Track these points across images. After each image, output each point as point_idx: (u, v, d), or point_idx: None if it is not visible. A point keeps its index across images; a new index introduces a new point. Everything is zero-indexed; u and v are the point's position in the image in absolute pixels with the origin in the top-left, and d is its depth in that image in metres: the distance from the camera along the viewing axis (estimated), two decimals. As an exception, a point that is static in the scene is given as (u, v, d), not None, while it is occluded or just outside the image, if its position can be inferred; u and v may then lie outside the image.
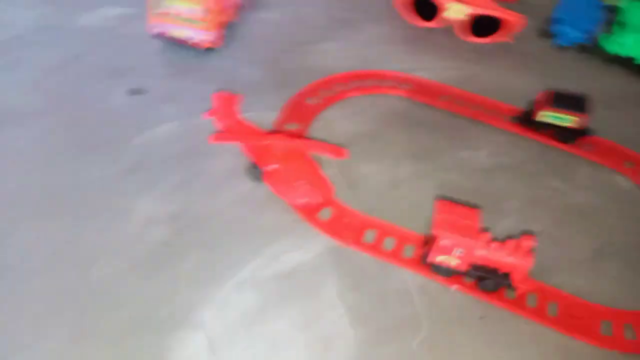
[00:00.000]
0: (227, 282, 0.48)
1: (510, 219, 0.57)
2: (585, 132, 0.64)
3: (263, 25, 0.74)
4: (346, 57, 0.71)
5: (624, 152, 0.65)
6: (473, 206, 0.49)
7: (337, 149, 0.55)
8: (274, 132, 0.54)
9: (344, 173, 0.58)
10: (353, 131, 0.63)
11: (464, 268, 0.49)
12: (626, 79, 0.76)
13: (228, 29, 0.71)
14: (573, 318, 0.50)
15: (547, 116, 0.62)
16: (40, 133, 0.58)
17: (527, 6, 0.84)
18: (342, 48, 0.73)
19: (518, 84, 0.71)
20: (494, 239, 0.48)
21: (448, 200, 0.49)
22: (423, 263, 0.50)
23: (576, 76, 0.74)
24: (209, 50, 0.67)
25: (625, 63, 0.76)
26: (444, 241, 0.47)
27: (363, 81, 0.68)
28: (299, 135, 0.59)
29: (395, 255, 0.52)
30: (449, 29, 0.77)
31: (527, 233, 0.50)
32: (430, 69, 0.72)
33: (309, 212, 0.54)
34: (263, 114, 0.62)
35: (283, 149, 0.53)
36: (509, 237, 0.48)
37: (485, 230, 0.48)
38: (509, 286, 0.49)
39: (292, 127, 0.61)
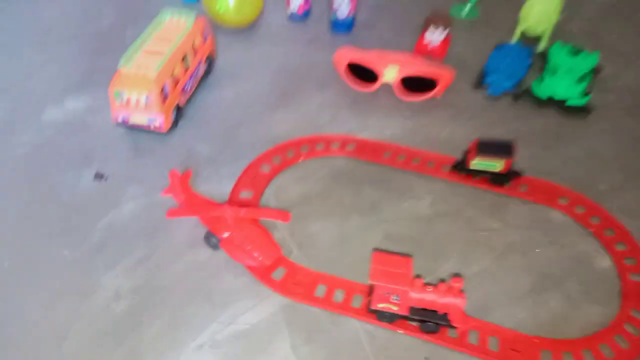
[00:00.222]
0: (187, 346, 0.52)
1: (451, 262, 0.61)
2: (516, 173, 0.69)
3: (217, 103, 0.81)
4: (296, 125, 0.78)
5: (557, 189, 0.71)
6: (408, 254, 0.54)
7: (282, 213, 0.60)
8: (224, 203, 0.59)
9: (294, 234, 0.63)
10: (303, 193, 0.68)
11: (404, 312, 0.53)
12: (559, 119, 0.82)
13: (185, 109, 0.78)
14: (513, 351, 0.54)
15: (477, 164, 0.68)
16: (14, 219, 0.63)
17: (462, 62, 0.92)
18: (293, 116, 0.79)
19: (455, 135, 0.77)
20: (427, 284, 0.52)
21: (383, 252, 0.54)
22: (369, 311, 0.54)
23: (511, 122, 0.81)
24: (168, 132, 0.73)
25: (558, 105, 0.83)
26: (380, 290, 0.51)
27: (312, 145, 0.74)
28: (247, 204, 0.64)
29: (345, 306, 0.56)
30: (389, 90, 0.84)
31: (457, 275, 0.55)
32: (374, 128, 0.78)
33: (263, 274, 0.58)
34: (219, 185, 0.68)
35: (233, 218, 0.58)
36: (441, 281, 0.52)
37: (418, 276, 0.53)
38: (449, 325, 0.53)
39: (247, 194, 0.67)
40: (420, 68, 0.82)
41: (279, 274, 0.59)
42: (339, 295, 0.57)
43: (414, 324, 0.54)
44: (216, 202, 0.63)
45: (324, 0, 0.99)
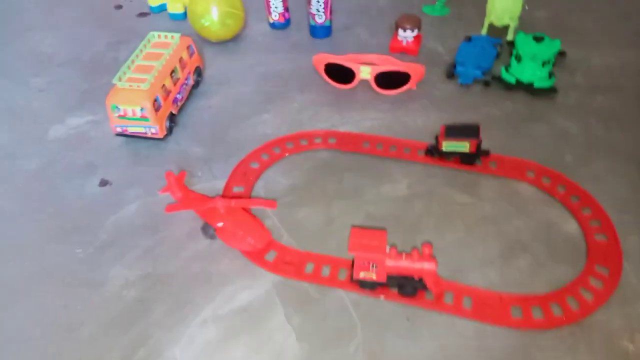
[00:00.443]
0: (192, 322, 0.58)
1: (427, 235, 0.67)
2: (485, 152, 0.75)
3: (208, 110, 0.87)
4: (282, 124, 0.84)
5: (525, 163, 0.76)
6: (383, 228, 0.60)
7: (269, 202, 0.66)
8: (215, 197, 0.65)
9: (283, 220, 0.69)
10: (290, 184, 0.74)
11: (383, 279, 0.58)
12: (528, 102, 0.88)
13: (178, 117, 0.85)
14: (486, 308, 0.59)
15: (447, 146, 0.74)
16: (30, 226, 0.69)
17: (435, 56, 0.99)
18: (277, 116, 0.86)
19: (429, 123, 0.83)
20: (401, 252, 0.58)
21: (360, 227, 0.59)
22: (352, 281, 0.60)
23: (482, 107, 0.87)
24: (163, 138, 0.80)
25: (526, 88, 0.89)
26: (359, 260, 0.57)
27: (296, 141, 0.80)
28: (236, 196, 0.70)
29: (331, 280, 0.62)
30: (367, 87, 0.90)
31: (427, 242, 0.60)
32: (353, 122, 0.84)
33: (257, 256, 0.64)
34: (213, 182, 0.74)
35: (225, 209, 0.64)
36: (414, 248, 0.58)
37: (394, 246, 0.59)
38: (425, 288, 0.59)
39: (239, 189, 0.73)
40: (390, 63, 0.88)
41: (271, 256, 0.65)
42: (325, 271, 0.63)
43: (394, 290, 0.60)
44: (210, 197, 0.69)
45: (303, 8, 1.06)
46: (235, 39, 1.05)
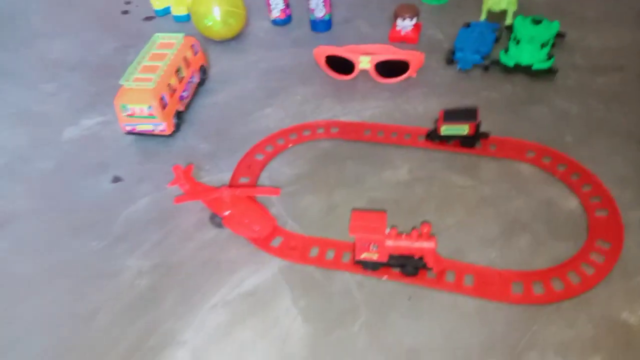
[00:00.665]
0: (202, 308, 0.60)
1: (428, 217, 0.68)
2: (484, 134, 0.76)
3: (213, 107, 0.90)
4: (285, 117, 0.86)
5: (525, 144, 0.77)
6: (382, 211, 0.62)
7: (271, 189, 0.68)
8: (221, 186, 0.67)
9: (288, 208, 0.71)
10: (294, 174, 0.76)
11: (385, 259, 0.60)
12: (528, 84, 0.89)
13: (185, 114, 0.87)
14: (487, 285, 0.61)
15: (446, 130, 0.75)
16: (47, 223, 0.72)
17: (435, 43, 1.00)
18: (280, 110, 0.88)
19: (430, 109, 0.85)
20: (401, 233, 0.60)
21: (360, 210, 0.61)
22: (355, 263, 0.62)
23: (481, 91, 0.88)
24: (171, 135, 0.82)
25: (525, 71, 0.90)
26: (360, 241, 0.59)
27: (299, 132, 0.82)
28: (240, 185, 0.73)
29: (336, 263, 0.64)
30: (368, 77, 0.92)
31: (425, 222, 0.62)
32: (355, 111, 0.86)
33: (263, 243, 0.66)
34: (220, 175, 0.77)
35: (230, 198, 0.66)
36: (413, 229, 0.60)
37: (393, 227, 0.60)
38: (426, 267, 0.60)
39: (245, 180, 0.75)
40: (388, 52, 0.90)
41: (276, 242, 0.67)
42: (330, 254, 0.65)
43: (396, 270, 0.62)
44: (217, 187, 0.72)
45: (303, 4, 1.08)
46: (238, 37, 1.07)
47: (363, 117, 0.85)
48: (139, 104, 0.78)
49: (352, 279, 0.62)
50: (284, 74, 0.96)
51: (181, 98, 0.85)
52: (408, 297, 0.60)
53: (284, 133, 0.83)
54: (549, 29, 0.90)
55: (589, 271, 0.61)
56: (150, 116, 0.79)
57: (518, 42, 0.90)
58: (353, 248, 0.63)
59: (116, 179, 0.78)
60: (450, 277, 0.62)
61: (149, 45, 0.87)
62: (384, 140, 0.80)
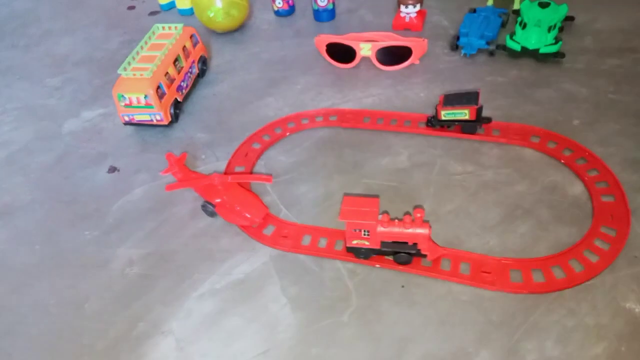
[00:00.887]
0: (190, 296, 0.59)
1: (427, 204, 0.66)
2: (486, 119, 0.74)
3: (213, 97, 0.89)
4: (284, 106, 0.85)
5: (529, 129, 0.74)
6: (374, 196, 0.60)
7: (264, 177, 0.67)
8: (213, 173, 0.66)
9: (283, 196, 0.70)
10: (291, 162, 0.75)
11: (377, 246, 0.58)
12: (535, 67, 0.86)
13: (184, 104, 0.87)
14: (484, 273, 0.58)
15: (446, 114, 0.73)
16: (44, 213, 0.72)
17: (440, 30, 0.97)
18: (280, 99, 0.86)
19: (432, 95, 0.82)
20: (393, 219, 0.58)
21: (351, 195, 0.59)
22: (348, 251, 0.60)
23: (486, 76, 0.85)
24: (169, 125, 0.82)
25: (531, 55, 0.86)
26: (350, 227, 0.57)
27: (297, 121, 0.81)
28: (233, 173, 0.71)
29: (328, 250, 0.62)
30: (371, 65, 0.90)
31: (418, 207, 0.60)
32: (355, 99, 0.84)
33: (255, 231, 0.65)
34: (216, 164, 0.76)
35: (222, 185, 0.65)
36: (406, 214, 0.58)
37: (385, 212, 0.58)
38: (420, 254, 0.58)
39: (240, 169, 0.74)
40: (391, 39, 0.88)
41: (269, 230, 0.65)
42: (322, 242, 0.63)
43: (389, 258, 0.60)
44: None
45: (306, -6, 1.07)
46: (241, 28, 1.06)
47: (363, 105, 0.83)
48: (136, 93, 0.78)
49: (343, 267, 0.61)
50: (285, 64, 0.95)
51: (180, 88, 0.85)
52: (401, 286, 0.58)
53: (282, 122, 0.81)
54: (556, 12, 0.87)
55: (593, 259, 0.58)
56: (148, 106, 0.79)
57: (524, 25, 0.87)
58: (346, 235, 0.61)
59: (113, 169, 0.78)
60: (445, 265, 0.59)
61: (148, 35, 0.87)
62: (383, 128, 0.78)
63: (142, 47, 0.84)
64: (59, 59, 1.06)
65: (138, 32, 1.10)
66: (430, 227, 0.57)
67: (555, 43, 0.85)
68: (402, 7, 0.96)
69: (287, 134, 0.79)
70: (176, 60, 0.84)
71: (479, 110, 0.72)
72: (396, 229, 0.57)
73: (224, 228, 0.66)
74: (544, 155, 0.71)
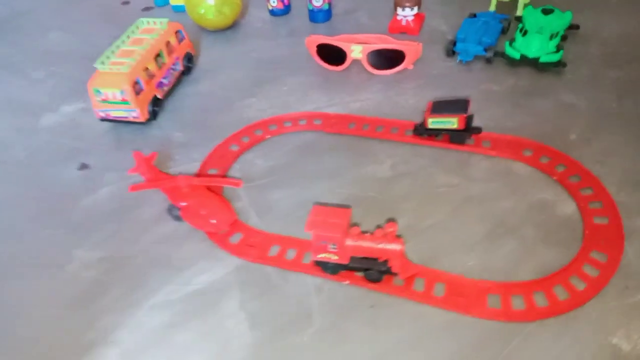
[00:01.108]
0: (142, 307, 0.55)
1: (406, 217, 0.62)
2: (476, 129, 0.69)
3: (196, 96, 0.85)
4: (268, 107, 0.81)
5: (522, 141, 0.70)
6: (348, 206, 0.56)
7: (233, 180, 0.63)
8: (178, 175, 0.63)
9: (256, 202, 0.66)
10: (268, 166, 0.71)
11: (345, 261, 0.54)
12: (534, 77, 0.81)
13: (164, 102, 0.84)
14: (459, 296, 0.54)
15: (433, 122, 0.68)
16: (9, 211, 0.69)
17: (438, 35, 0.93)
18: (265, 100, 0.83)
19: (423, 102, 0.78)
20: (365, 232, 0.53)
21: (322, 205, 0.55)
22: (315, 265, 0.56)
23: (482, 84, 0.81)
24: (146, 123, 0.79)
25: (531, 63, 0.82)
26: (317, 239, 0.53)
27: (280, 123, 0.77)
28: (202, 175, 0.68)
29: (295, 263, 0.58)
30: (362, 68, 0.86)
31: (391, 220, 0.55)
32: (342, 103, 0.80)
33: (221, 239, 0.61)
34: (190, 165, 0.72)
35: (188, 187, 0.61)
36: (378, 227, 0.53)
37: (356, 224, 0.54)
38: (391, 272, 0.54)
39: (213, 171, 0.70)
40: (384, 42, 0.84)
41: (236, 238, 0.61)
42: (291, 254, 0.59)
43: (360, 274, 0.56)
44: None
45: (303, -6, 1.03)
46: (233, 27, 1.03)
47: (351, 110, 0.79)
48: (112, 88, 0.74)
49: (310, 282, 0.56)
50: (275, 65, 0.91)
51: (160, 85, 0.81)
52: (370, 305, 0.54)
53: (263, 124, 0.77)
54: (560, 19, 0.82)
55: (580, 286, 0.53)
56: (124, 102, 0.75)
57: (525, 32, 0.82)
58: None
59: (83, 166, 0.74)
60: (419, 285, 0.55)
61: (131, 29, 0.84)
62: (368, 134, 0.74)
63: (123, 41, 0.81)
64: (46, 52, 1.03)
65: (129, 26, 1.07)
66: (403, 242, 0.52)
67: (557, 52, 0.80)
68: (399, 10, 0.92)
69: (267, 136, 0.76)
70: (158, 55, 0.81)
71: (469, 120, 0.68)
72: (366, 244, 0.53)
73: (189, 234, 0.63)
74: (535, 170, 0.66)
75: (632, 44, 0.84)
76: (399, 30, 0.94)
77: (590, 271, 0.54)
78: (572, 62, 0.81)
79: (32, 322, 0.55)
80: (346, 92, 0.83)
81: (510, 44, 0.83)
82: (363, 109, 0.79)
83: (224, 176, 0.69)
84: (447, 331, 0.51)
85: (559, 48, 0.80)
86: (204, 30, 1.02)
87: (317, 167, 0.70)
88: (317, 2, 0.98)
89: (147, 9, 1.14)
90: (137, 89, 0.76)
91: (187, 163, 0.73)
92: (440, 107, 0.68)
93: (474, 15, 0.91)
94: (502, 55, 0.83)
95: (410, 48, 0.83)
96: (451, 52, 0.86)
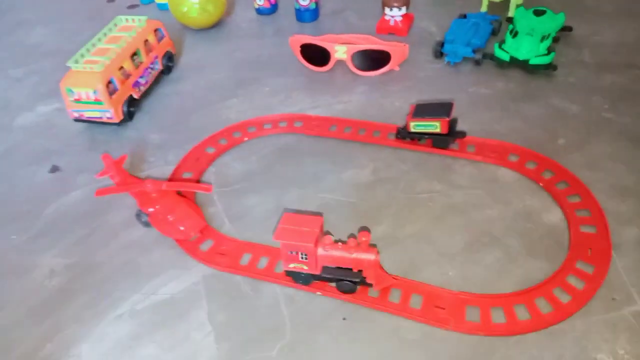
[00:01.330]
0: (107, 317, 0.53)
1: (384, 225, 0.59)
2: (460, 133, 0.67)
3: (175, 96, 0.83)
4: (248, 109, 0.79)
5: (508, 146, 0.67)
6: (319, 214, 0.53)
7: (203, 186, 0.60)
8: (146, 179, 0.60)
9: (229, 208, 0.63)
10: (245, 170, 0.68)
11: (317, 272, 0.51)
12: (524, 80, 0.79)
13: (142, 102, 0.81)
14: (437, 308, 0.51)
15: (416, 126, 0.66)
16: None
17: (427, 36, 0.90)
18: (247, 101, 0.80)
19: (409, 104, 0.75)
20: (338, 241, 0.51)
21: (292, 212, 0.52)
22: (286, 274, 0.53)
23: (470, 86, 0.78)
24: (121, 124, 0.76)
25: (521, 66, 0.79)
26: (286, 248, 0.50)
27: (259, 125, 0.75)
28: (173, 179, 0.66)
29: (267, 272, 0.55)
30: (347, 69, 0.83)
31: (364, 229, 0.53)
32: (325, 105, 0.78)
33: (191, 246, 0.59)
34: (165, 168, 0.70)
35: (156, 192, 0.59)
36: (351, 236, 0.51)
37: (328, 233, 0.51)
38: (365, 283, 0.51)
39: (188, 175, 0.68)
40: (369, 42, 0.81)
41: (206, 245, 0.59)
42: (263, 262, 0.57)
43: (333, 284, 0.53)
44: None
45: (290, -8, 1.00)
46: (218, 25, 1.01)
47: (333, 112, 0.76)
48: (85, 87, 0.72)
49: (282, 292, 0.54)
50: (258, 65, 0.89)
51: (137, 85, 0.79)
52: (343, 318, 0.51)
53: (242, 126, 0.75)
54: (552, 21, 0.80)
55: (564, 299, 0.51)
56: (97, 102, 0.73)
57: (515, 34, 0.79)
58: (286, 256, 0.55)
59: (54, 169, 0.72)
60: (395, 297, 0.52)
61: (108, 27, 0.81)
62: (350, 137, 0.71)
63: (99, 39, 0.79)
64: (27, 50, 1.01)
65: (113, 25, 1.05)
66: (378, 252, 0.50)
67: (548, 54, 0.77)
68: (387, 10, 0.90)
69: (246, 139, 0.73)
70: (135, 54, 0.78)
71: (452, 123, 0.65)
72: (338, 253, 0.50)
73: (158, 240, 0.60)
74: (521, 176, 0.64)
75: (626, 51, 0.82)
76: (386, 30, 0.91)
77: (575, 283, 0.52)
78: (564, 66, 0.79)
79: (-9, 331, 0.53)
80: (330, 93, 0.80)
81: (500, 46, 0.80)
82: (346, 111, 0.76)
83: (198, 180, 0.67)
84: (422, 346, 0.49)
85: (550, 50, 0.78)
86: (188, 29, 0.99)
87: (295, 172, 0.68)
88: (303, 1, 0.95)
89: (132, 6, 1.12)
90: (111, 89, 0.73)
91: (161, 166, 0.70)
92: (422, 110, 0.65)
93: (464, 16, 0.89)
94: (491, 57, 0.81)
95: (396, 49, 0.80)
96: (439, 53, 0.84)
